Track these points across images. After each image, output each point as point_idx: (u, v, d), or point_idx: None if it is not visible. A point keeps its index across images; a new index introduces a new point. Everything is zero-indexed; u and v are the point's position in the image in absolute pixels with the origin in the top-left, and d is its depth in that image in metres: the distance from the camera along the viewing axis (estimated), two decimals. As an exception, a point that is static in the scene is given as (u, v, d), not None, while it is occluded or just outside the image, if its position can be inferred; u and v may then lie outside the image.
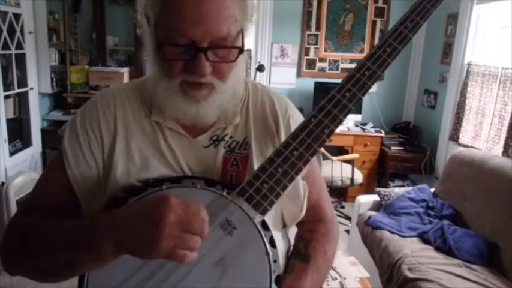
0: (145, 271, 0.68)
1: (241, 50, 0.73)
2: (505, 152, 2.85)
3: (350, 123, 4.28)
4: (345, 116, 0.76)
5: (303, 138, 0.75)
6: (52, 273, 0.70)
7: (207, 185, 0.74)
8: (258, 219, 0.72)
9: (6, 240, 0.76)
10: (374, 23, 4.44)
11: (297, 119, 0.89)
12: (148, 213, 0.60)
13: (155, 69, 0.75)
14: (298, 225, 0.93)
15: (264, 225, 0.73)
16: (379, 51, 0.79)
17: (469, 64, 3.44)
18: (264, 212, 0.72)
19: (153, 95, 0.80)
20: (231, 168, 0.80)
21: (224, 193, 0.72)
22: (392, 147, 4.08)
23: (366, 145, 4.09)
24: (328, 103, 0.76)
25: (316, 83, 4.36)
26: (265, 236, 0.72)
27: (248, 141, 0.82)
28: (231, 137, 0.82)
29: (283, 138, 0.83)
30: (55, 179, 0.79)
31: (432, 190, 2.91)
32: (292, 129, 0.83)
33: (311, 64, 4.51)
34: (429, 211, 2.69)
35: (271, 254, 0.72)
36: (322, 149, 3.31)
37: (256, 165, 0.80)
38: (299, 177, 0.82)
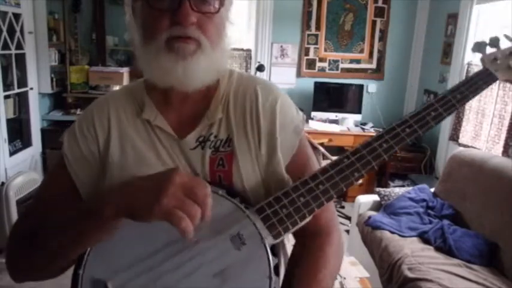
0: (144, 265, 0.67)
1: (221, 2, 0.74)
2: (505, 152, 2.85)
3: (350, 123, 4.28)
4: (377, 165, 0.76)
5: (332, 175, 0.74)
6: (56, 256, 0.70)
7: (229, 195, 0.74)
8: (269, 241, 0.70)
9: (9, 244, 0.78)
10: (374, 23, 4.44)
11: (285, 107, 0.84)
12: (154, 175, 0.62)
13: (141, 40, 0.75)
14: (295, 237, 0.88)
15: (273, 250, 0.72)
16: (423, 113, 0.81)
17: (469, 64, 3.45)
18: (277, 237, 0.71)
19: (143, 69, 0.80)
20: (217, 169, 0.79)
21: (242, 206, 0.72)
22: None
23: (365, 145, 4.09)
24: (364, 148, 0.77)
25: (316, 83, 4.36)
26: (272, 260, 0.71)
27: (231, 138, 0.80)
28: (215, 136, 0.81)
29: (262, 124, 0.81)
30: (58, 181, 0.81)
31: (432, 190, 2.91)
32: (278, 116, 0.81)
33: (311, 64, 4.51)
34: (429, 211, 2.69)
35: (273, 279, 0.70)
36: (322, 149, 3.27)
37: (241, 161, 0.79)
38: (282, 170, 0.81)
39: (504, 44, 0.96)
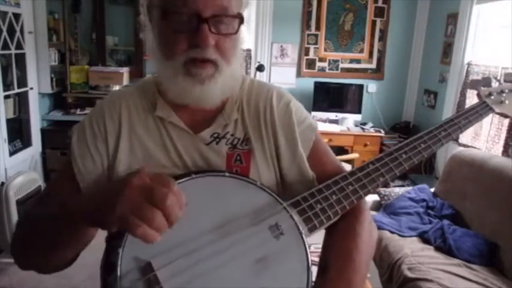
0: (187, 248, 0.67)
1: (241, 19, 0.75)
2: (505, 152, 2.85)
3: (350, 123, 4.28)
4: (399, 172, 0.86)
5: (359, 177, 0.82)
6: (53, 245, 0.71)
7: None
8: (305, 233, 0.73)
9: (16, 231, 0.79)
10: (374, 22, 4.44)
11: (298, 107, 0.89)
12: (116, 181, 0.62)
13: (158, 54, 0.77)
14: None
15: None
16: (435, 131, 0.92)
17: (468, 64, 3.44)
18: (312, 230, 0.74)
19: (156, 86, 0.82)
20: (235, 164, 0.81)
21: (279, 199, 0.75)
22: (392, 147, 4.07)
23: (365, 145, 4.09)
24: (387, 157, 0.87)
25: (316, 83, 4.36)
26: (309, 252, 0.72)
27: (248, 137, 0.83)
28: (232, 135, 0.83)
29: (278, 125, 0.84)
30: (64, 178, 0.81)
31: (432, 190, 2.91)
32: (293, 113, 0.86)
33: (311, 64, 4.51)
34: (429, 211, 2.69)
35: (311, 270, 0.72)
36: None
37: (258, 160, 0.82)
38: (307, 165, 0.84)
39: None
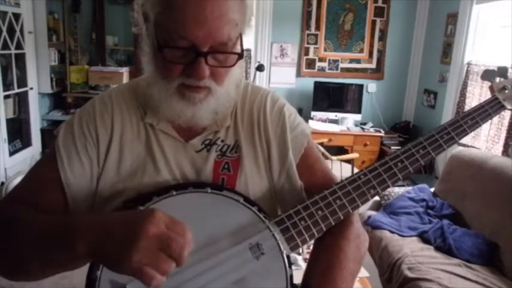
0: None
1: (240, 55, 0.72)
2: (505, 152, 2.85)
3: (350, 122, 4.28)
4: (392, 184, 0.79)
5: (349, 191, 0.77)
6: (18, 265, 0.66)
7: (246, 202, 0.74)
8: (286, 252, 0.72)
9: None
10: (374, 22, 4.44)
11: (292, 112, 0.87)
12: (130, 221, 0.56)
13: (152, 69, 0.75)
14: None
15: (289, 261, 0.72)
16: (437, 136, 0.84)
17: (468, 64, 3.45)
18: (294, 248, 0.72)
19: (147, 95, 0.79)
20: (222, 172, 0.79)
21: (262, 216, 0.73)
22: (392, 147, 4.08)
23: (365, 145, 4.09)
24: (380, 167, 0.80)
25: (316, 83, 4.36)
26: (289, 272, 0.71)
27: (239, 144, 0.81)
28: (222, 141, 0.81)
29: (271, 130, 0.82)
30: (46, 177, 0.76)
31: (432, 190, 2.91)
32: (286, 118, 0.84)
33: (311, 64, 4.51)
34: (429, 211, 2.69)
35: None
36: (322, 149, 3.27)
37: (247, 167, 0.80)
38: (296, 173, 0.82)
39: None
